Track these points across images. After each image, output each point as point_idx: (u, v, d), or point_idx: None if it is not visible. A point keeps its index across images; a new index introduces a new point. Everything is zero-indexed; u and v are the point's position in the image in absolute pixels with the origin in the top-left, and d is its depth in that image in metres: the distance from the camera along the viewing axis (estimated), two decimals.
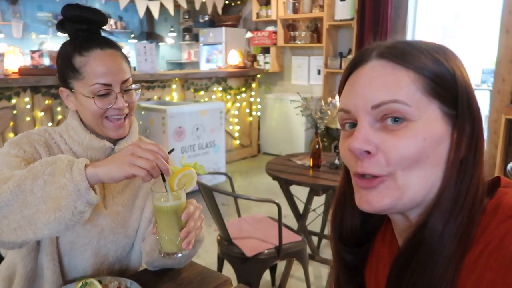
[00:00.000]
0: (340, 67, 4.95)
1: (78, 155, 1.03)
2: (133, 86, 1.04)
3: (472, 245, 0.51)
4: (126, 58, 1.05)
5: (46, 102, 3.49)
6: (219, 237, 2.10)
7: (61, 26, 1.02)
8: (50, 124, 3.53)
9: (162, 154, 0.83)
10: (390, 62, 0.54)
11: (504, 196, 0.52)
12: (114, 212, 1.06)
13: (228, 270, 2.16)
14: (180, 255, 0.88)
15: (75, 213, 0.79)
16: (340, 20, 4.83)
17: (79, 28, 1.00)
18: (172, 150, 0.88)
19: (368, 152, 0.53)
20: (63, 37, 1.00)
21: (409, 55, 0.54)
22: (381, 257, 0.67)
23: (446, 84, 0.53)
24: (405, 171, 0.53)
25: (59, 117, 3.57)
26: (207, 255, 2.66)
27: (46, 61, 3.99)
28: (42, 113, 3.47)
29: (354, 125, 0.57)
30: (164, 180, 0.85)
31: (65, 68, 1.00)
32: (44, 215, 0.78)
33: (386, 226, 0.68)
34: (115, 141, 1.06)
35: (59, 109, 3.56)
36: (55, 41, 6.08)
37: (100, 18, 1.02)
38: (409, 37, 4.58)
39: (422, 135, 0.52)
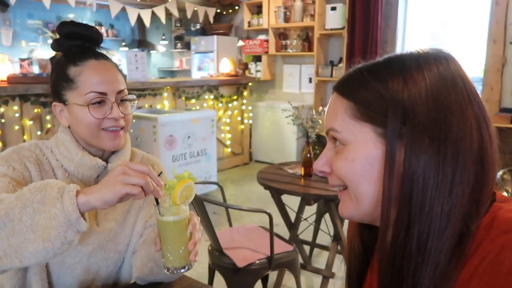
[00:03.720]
0: (331, 76, 4.99)
1: (70, 172, 1.00)
2: (129, 96, 1.02)
3: (469, 259, 0.51)
4: (121, 71, 1.04)
5: (35, 110, 3.45)
6: (210, 247, 2.08)
7: (56, 43, 1.00)
8: (39, 133, 3.49)
9: (152, 175, 0.81)
10: (336, 93, 0.62)
11: (499, 211, 0.53)
12: (107, 229, 1.03)
13: (219, 281, 2.13)
14: (187, 268, 0.87)
15: (65, 243, 0.76)
16: (331, 29, 4.88)
17: (73, 44, 0.99)
18: (161, 173, 0.86)
19: (324, 172, 0.63)
20: None
21: (347, 85, 0.61)
22: (375, 268, 0.67)
23: (374, 107, 0.56)
24: (351, 187, 0.59)
25: (48, 125, 3.54)
26: (197, 266, 2.63)
27: (36, 69, 3.95)
28: (31, 122, 3.43)
29: None
30: (157, 203, 0.83)
31: (59, 80, 0.98)
32: (32, 245, 0.75)
33: None
34: (107, 158, 1.04)
35: (48, 117, 3.52)
36: (45, 49, 6.04)
37: (94, 34, 1.00)
38: (399, 45, 4.64)
39: (350, 157, 0.58)
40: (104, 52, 1.03)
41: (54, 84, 1.00)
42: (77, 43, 0.99)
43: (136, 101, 1.06)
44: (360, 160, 0.57)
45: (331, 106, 0.63)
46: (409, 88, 0.54)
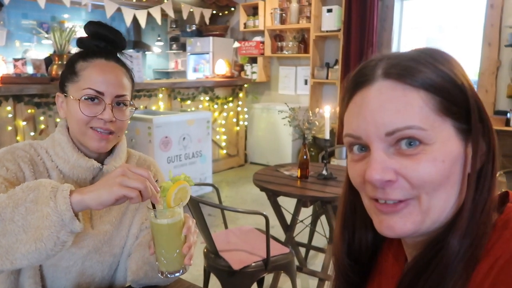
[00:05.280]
0: (327, 78, 4.99)
1: (65, 173, 0.98)
2: (124, 101, 1.01)
3: (481, 259, 0.50)
4: (130, 78, 1.03)
5: (29, 111, 3.41)
6: (205, 250, 2.06)
7: (80, 42, 1.01)
8: (32, 133, 3.46)
9: (151, 181, 0.80)
10: (398, 82, 0.52)
11: None
12: (102, 231, 1.01)
13: (215, 284, 2.12)
14: (181, 272, 0.85)
15: (58, 244, 0.74)
16: (327, 31, 4.89)
17: (96, 44, 0.99)
18: (157, 181, 0.85)
19: (389, 180, 0.52)
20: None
21: (417, 73, 0.51)
22: (385, 271, 0.66)
23: (457, 100, 0.52)
24: (429, 194, 0.51)
25: (42, 126, 3.50)
26: (193, 268, 2.61)
27: (30, 70, 3.92)
28: (25, 123, 3.40)
29: (363, 148, 0.55)
30: (154, 208, 0.82)
31: (66, 71, 0.99)
32: (24, 245, 0.73)
33: (391, 240, 0.67)
34: (103, 160, 1.02)
35: (42, 118, 3.49)
36: (39, 49, 5.99)
37: (117, 38, 1.01)
38: (394, 48, 4.65)
39: (441, 157, 0.50)
40: (123, 57, 1.04)
41: (62, 75, 1.01)
42: (100, 44, 0.99)
43: (134, 108, 1.05)
44: (450, 160, 0.51)
45: (395, 98, 0.52)
46: (469, 83, 0.53)
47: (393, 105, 0.51)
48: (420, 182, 0.51)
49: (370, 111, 0.52)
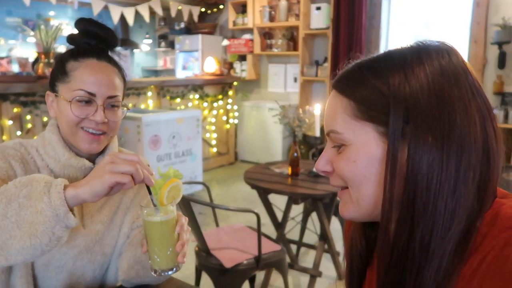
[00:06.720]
0: (316, 75, 5.01)
1: (56, 173, 0.96)
2: (116, 102, 0.99)
3: (471, 255, 0.51)
4: (122, 78, 1.02)
5: (15, 110, 3.35)
6: (196, 248, 2.05)
7: (70, 38, 0.99)
8: (19, 133, 3.40)
9: (142, 164, 0.79)
10: (335, 91, 0.60)
11: (502, 207, 0.52)
12: (93, 231, 1.00)
13: (206, 282, 2.11)
14: (175, 270, 0.85)
15: (53, 239, 0.73)
16: (316, 29, 4.90)
17: (87, 41, 0.97)
18: (148, 166, 0.84)
19: (326, 171, 0.61)
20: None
21: (348, 83, 0.58)
22: (375, 266, 0.66)
23: (375, 105, 0.54)
24: (353, 188, 0.58)
25: (29, 125, 3.45)
26: (184, 267, 2.59)
27: (15, 68, 3.85)
28: (11, 122, 3.34)
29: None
30: (150, 193, 0.81)
31: (56, 70, 0.97)
32: (19, 242, 0.72)
33: None
34: (94, 159, 1.01)
35: (28, 117, 3.43)
36: (25, 47, 5.89)
37: (109, 36, 0.98)
38: (382, 45, 4.68)
39: (352, 157, 0.56)
40: (115, 55, 1.02)
41: (52, 74, 0.99)
42: (91, 42, 0.97)
43: (126, 109, 1.03)
44: (362, 161, 0.55)
45: (329, 106, 0.60)
46: (410, 85, 0.52)
47: (328, 111, 0.61)
48: (342, 177, 0.59)
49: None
